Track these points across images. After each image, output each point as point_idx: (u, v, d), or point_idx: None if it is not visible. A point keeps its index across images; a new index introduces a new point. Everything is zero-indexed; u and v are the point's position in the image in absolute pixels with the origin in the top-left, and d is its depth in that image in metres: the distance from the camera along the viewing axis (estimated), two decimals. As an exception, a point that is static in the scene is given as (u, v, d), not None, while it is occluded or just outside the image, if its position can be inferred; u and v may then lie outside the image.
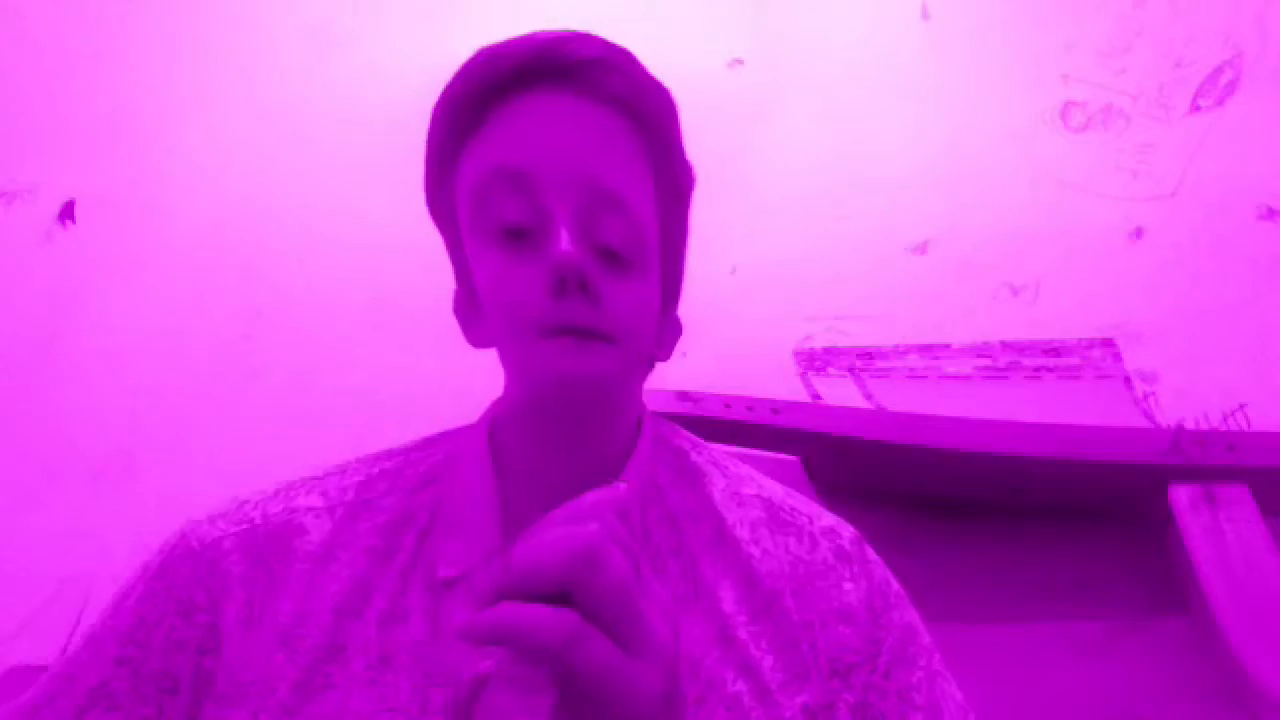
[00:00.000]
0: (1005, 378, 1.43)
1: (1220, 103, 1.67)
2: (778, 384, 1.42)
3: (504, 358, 0.48)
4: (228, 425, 1.51)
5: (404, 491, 0.51)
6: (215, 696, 0.43)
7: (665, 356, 0.54)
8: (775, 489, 0.54)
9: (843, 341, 1.52)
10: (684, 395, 1.26)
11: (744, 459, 0.61)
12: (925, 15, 1.81)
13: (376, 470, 0.53)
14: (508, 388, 0.50)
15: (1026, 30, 1.78)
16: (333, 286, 1.65)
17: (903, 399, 1.41)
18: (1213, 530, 1.09)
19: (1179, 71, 1.70)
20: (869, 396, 1.43)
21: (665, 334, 0.54)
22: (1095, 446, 1.18)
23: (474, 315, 0.49)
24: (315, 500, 0.50)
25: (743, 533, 0.49)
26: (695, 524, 0.49)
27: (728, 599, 0.46)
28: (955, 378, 1.44)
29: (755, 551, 0.48)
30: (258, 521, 0.48)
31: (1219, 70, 1.68)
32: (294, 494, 0.51)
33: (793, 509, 0.52)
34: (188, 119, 1.78)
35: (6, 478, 1.43)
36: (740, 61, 1.75)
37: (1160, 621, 1.12)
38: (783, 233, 1.65)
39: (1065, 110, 1.74)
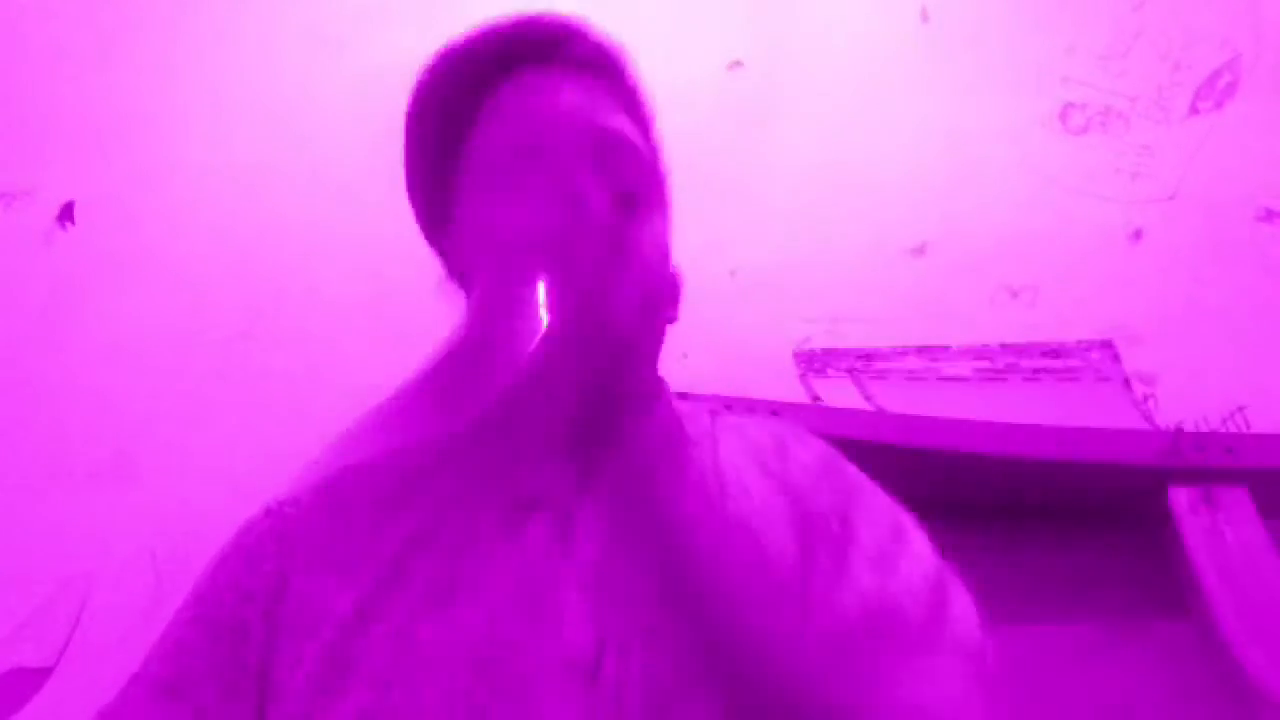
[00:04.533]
0: (1004, 379, 1.43)
1: (1219, 105, 1.67)
2: (778, 386, 1.42)
3: None
4: (228, 426, 1.51)
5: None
6: (284, 632, 0.45)
7: (674, 318, 0.59)
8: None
9: (842, 343, 1.52)
10: (684, 397, 1.26)
11: None
12: (925, 18, 1.82)
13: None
14: None
15: (1026, 33, 1.78)
16: (333, 287, 1.65)
17: (902, 401, 1.41)
18: (1212, 532, 1.09)
19: (1178, 74, 1.70)
20: (869, 398, 1.43)
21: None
22: (1094, 448, 1.19)
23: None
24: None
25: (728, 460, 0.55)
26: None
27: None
28: (954, 379, 1.44)
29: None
30: (333, 479, 0.52)
31: (1217, 73, 1.68)
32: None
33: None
34: (187, 120, 1.78)
35: (6, 478, 1.43)
36: (740, 64, 1.75)
37: (1159, 623, 1.12)
38: (782, 235, 1.65)
39: (1064, 112, 1.74)
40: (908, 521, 0.53)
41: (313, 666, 0.42)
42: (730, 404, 1.22)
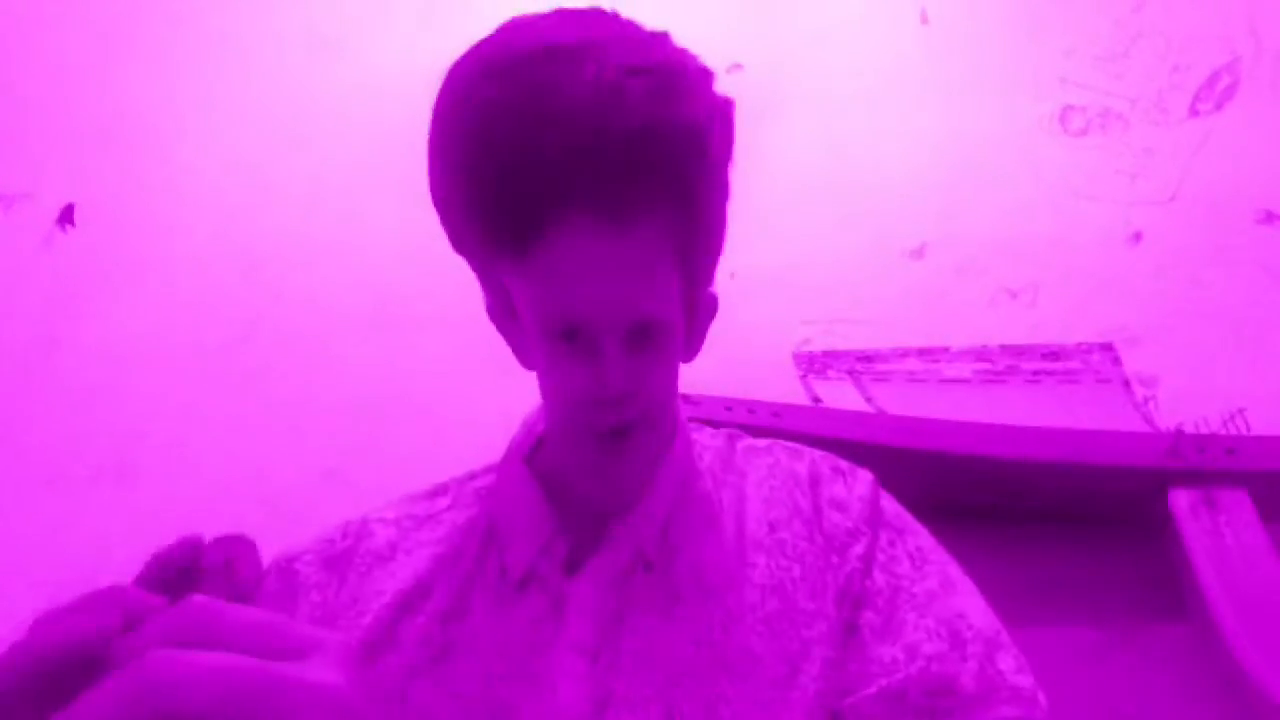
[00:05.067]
0: (1004, 381, 1.43)
1: (1219, 107, 1.67)
2: (778, 387, 1.42)
3: (548, 408, 0.52)
4: (226, 429, 1.51)
5: (464, 506, 0.54)
6: None
7: (693, 355, 0.58)
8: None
9: (841, 345, 1.52)
10: (685, 398, 1.26)
11: None
12: (924, 20, 1.82)
13: (440, 490, 0.57)
14: (549, 418, 0.54)
15: (1025, 34, 1.78)
16: (331, 291, 1.65)
17: (902, 402, 1.41)
18: (1212, 535, 1.09)
19: (1177, 76, 1.70)
20: (869, 399, 1.43)
21: (693, 332, 0.57)
22: (1095, 450, 1.18)
23: (515, 328, 0.51)
24: (386, 514, 0.54)
25: (753, 489, 0.53)
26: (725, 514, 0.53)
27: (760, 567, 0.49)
28: (954, 381, 1.44)
29: (765, 492, 0.52)
30: (336, 538, 0.52)
31: (1217, 74, 1.68)
32: (369, 513, 0.55)
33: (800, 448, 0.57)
34: (187, 124, 1.78)
35: (6, 480, 1.43)
36: (739, 67, 1.75)
37: (1160, 626, 1.12)
38: (781, 237, 1.65)
39: (1064, 114, 1.74)
40: (955, 567, 0.52)
41: None
42: (731, 406, 1.22)
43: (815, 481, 0.53)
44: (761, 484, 0.53)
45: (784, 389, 1.44)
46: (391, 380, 1.54)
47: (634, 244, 0.43)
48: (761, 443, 0.58)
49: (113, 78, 1.78)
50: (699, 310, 0.54)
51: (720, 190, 0.52)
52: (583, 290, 0.43)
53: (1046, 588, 1.17)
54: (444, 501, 0.55)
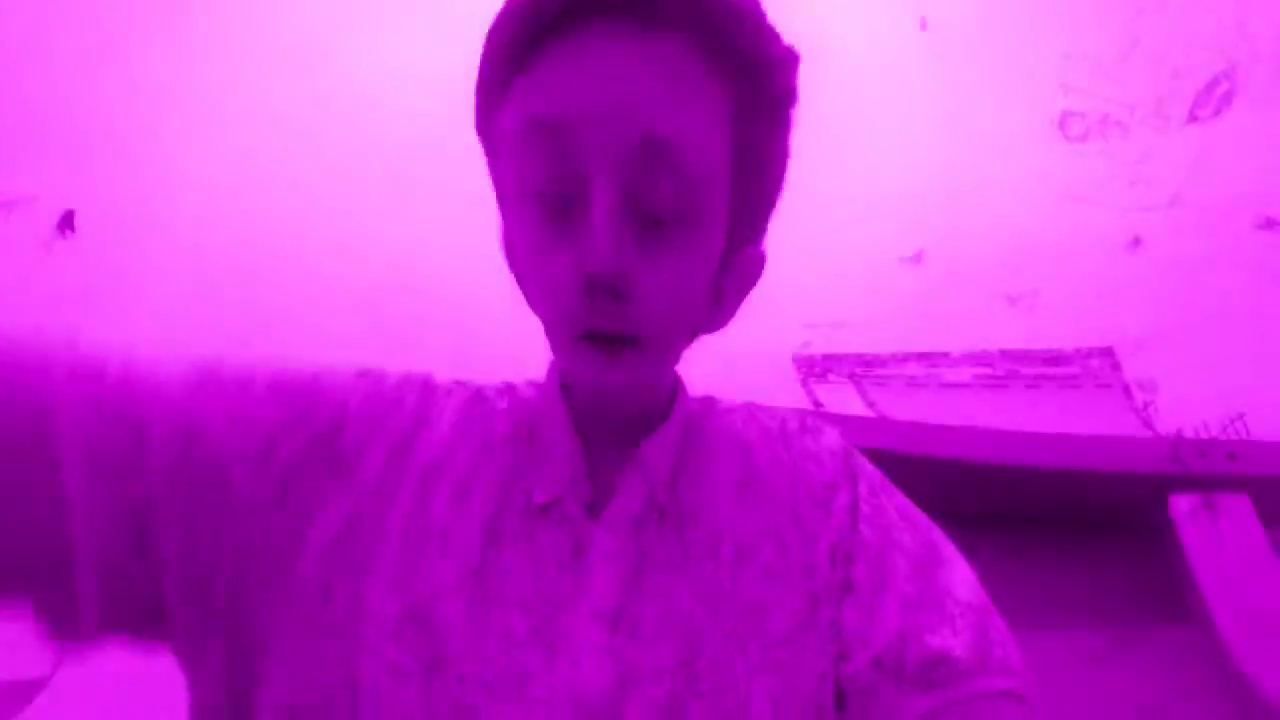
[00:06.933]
0: (1005, 386, 1.43)
1: (1218, 113, 1.68)
2: (778, 391, 1.42)
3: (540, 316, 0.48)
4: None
5: (515, 414, 0.53)
6: (346, 471, 0.42)
7: (722, 322, 0.51)
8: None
9: (841, 349, 1.52)
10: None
11: None
12: (924, 26, 1.83)
13: (506, 390, 0.56)
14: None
15: (1025, 40, 1.79)
16: (329, 295, 1.65)
17: (903, 406, 1.41)
18: (1213, 539, 1.09)
19: (1176, 82, 1.71)
20: (870, 404, 1.43)
21: (730, 281, 0.48)
22: (1095, 456, 1.18)
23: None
24: (455, 391, 0.53)
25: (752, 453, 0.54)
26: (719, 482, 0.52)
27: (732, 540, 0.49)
28: (955, 386, 1.44)
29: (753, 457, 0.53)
30: (435, 382, 0.52)
31: (1215, 81, 1.69)
32: (435, 376, 0.54)
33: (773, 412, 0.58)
34: (186, 131, 1.78)
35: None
36: (739, 71, 1.76)
37: (1161, 630, 1.12)
38: (780, 241, 1.65)
39: (1063, 120, 1.75)
40: (939, 534, 0.52)
41: (332, 562, 0.40)
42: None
43: (787, 436, 0.53)
44: (743, 438, 0.54)
45: (784, 392, 1.44)
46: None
47: (661, 47, 0.36)
48: (736, 402, 0.59)
49: (112, 84, 1.78)
50: (738, 264, 0.47)
51: (775, 84, 0.43)
52: (578, 85, 0.36)
53: (1048, 592, 1.17)
54: (503, 403, 0.54)
